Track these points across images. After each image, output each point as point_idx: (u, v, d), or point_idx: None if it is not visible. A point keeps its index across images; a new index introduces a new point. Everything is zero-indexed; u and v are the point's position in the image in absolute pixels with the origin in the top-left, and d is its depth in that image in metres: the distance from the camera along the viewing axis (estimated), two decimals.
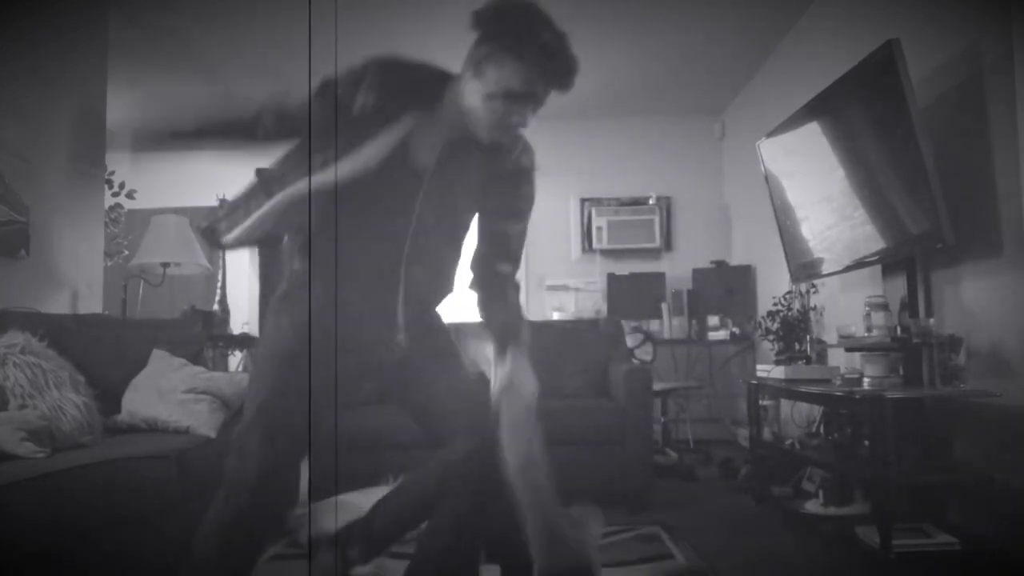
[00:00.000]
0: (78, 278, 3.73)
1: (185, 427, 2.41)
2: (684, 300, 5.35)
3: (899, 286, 2.86)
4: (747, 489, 3.45)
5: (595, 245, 5.60)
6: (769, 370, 3.36)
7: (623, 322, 4.40)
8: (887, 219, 2.83)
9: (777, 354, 3.83)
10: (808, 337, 3.74)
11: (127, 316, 4.33)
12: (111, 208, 4.68)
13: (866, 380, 2.67)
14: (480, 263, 1.63)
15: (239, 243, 1.49)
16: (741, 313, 5.16)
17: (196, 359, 2.93)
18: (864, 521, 2.60)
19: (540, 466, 1.48)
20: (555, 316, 5.29)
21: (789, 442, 3.25)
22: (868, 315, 2.77)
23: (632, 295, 5.41)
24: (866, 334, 2.77)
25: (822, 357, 3.59)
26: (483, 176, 1.56)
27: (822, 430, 3.20)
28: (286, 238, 1.58)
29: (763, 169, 3.83)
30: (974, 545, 2.36)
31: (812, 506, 2.90)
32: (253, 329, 5.40)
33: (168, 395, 2.49)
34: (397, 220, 1.48)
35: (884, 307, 2.76)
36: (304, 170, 1.39)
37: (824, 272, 3.39)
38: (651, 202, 5.66)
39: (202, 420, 2.43)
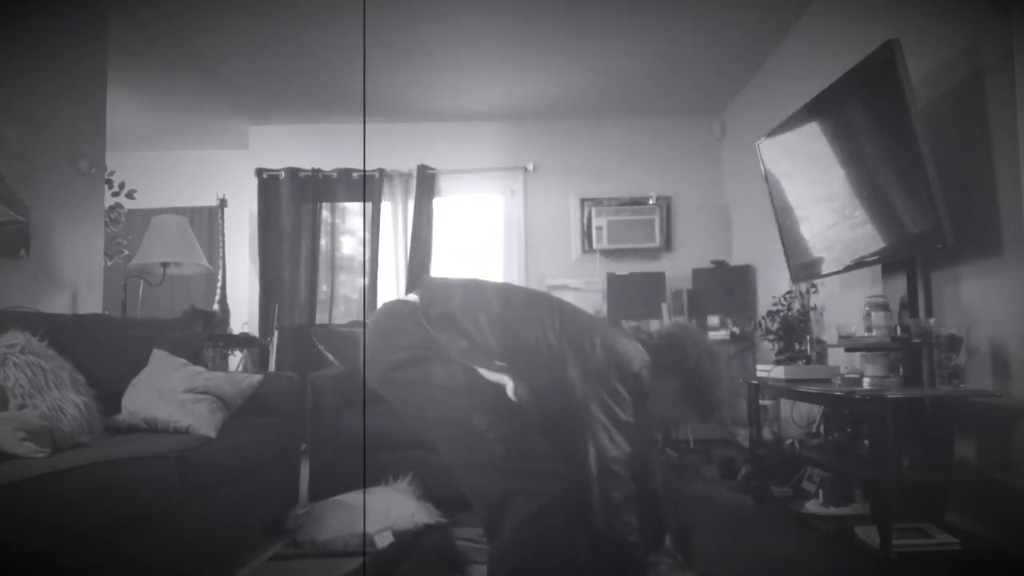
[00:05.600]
0: (78, 278, 3.74)
1: (185, 427, 2.41)
2: (684, 300, 5.34)
3: (899, 286, 2.86)
4: (747, 489, 3.45)
5: (595, 245, 5.60)
6: (769, 370, 3.36)
7: (623, 322, 4.39)
8: (887, 219, 2.83)
9: (777, 354, 3.83)
10: (808, 337, 3.74)
11: (127, 316, 4.33)
12: (111, 208, 4.68)
13: (866, 380, 2.67)
14: None
15: None
16: (741, 313, 5.16)
17: (196, 359, 2.93)
18: (864, 521, 2.60)
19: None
20: None
21: (789, 442, 3.25)
22: (868, 315, 2.77)
23: (632, 295, 5.41)
24: (866, 334, 2.77)
25: (822, 357, 3.59)
26: None
27: (822, 430, 3.20)
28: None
29: (763, 169, 3.83)
30: (974, 545, 2.36)
31: (812, 506, 2.90)
32: (253, 329, 5.42)
33: (168, 395, 2.48)
34: None
35: (884, 307, 2.76)
36: None
37: (824, 272, 3.39)
38: (651, 202, 5.66)
39: (202, 420, 2.43)
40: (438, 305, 1.71)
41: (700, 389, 1.78)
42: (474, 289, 1.78)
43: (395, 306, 1.82)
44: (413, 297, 1.79)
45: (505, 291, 1.83)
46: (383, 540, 2.60)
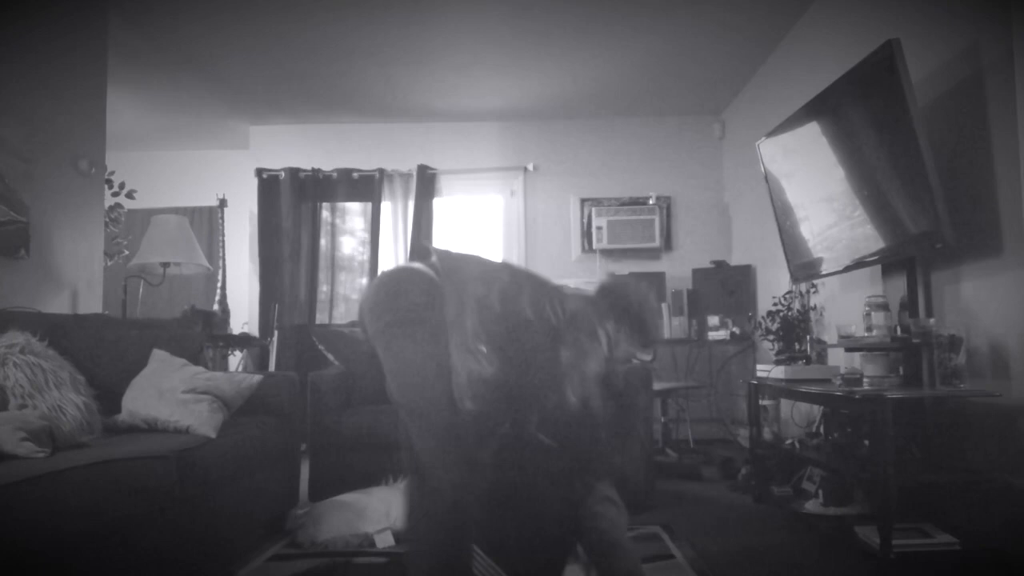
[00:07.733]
0: (78, 278, 3.73)
1: (185, 427, 2.41)
2: (684, 300, 5.35)
3: (899, 286, 2.86)
4: (747, 489, 3.45)
5: (595, 245, 5.60)
6: (769, 370, 3.36)
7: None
8: (887, 219, 2.83)
9: (777, 354, 3.83)
10: (808, 337, 3.74)
11: (127, 316, 4.33)
12: (111, 208, 4.68)
13: (866, 380, 2.67)
14: None
15: None
16: (741, 313, 5.16)
17: (196, 359, 2.93)
18: (864, 521, 2.60)
19: None
20: None
21: (789, 442, 3.25)
22: (868, 315, 2.77)
23: None
24: (866, 334, 2.77)
25: (822, 357, 3.59)
26: None
27: (822, 430, 3.20)
28: None
29: (763, 169, 3.83)
30: (974, 545, 2.36)
31: (812, 506, 2.90)
32: (253, 329, 5.42)
33: (168, 395, 2.48)
34: None
35: (884, 307, 2.76)
36: None
37: (824, 272, 3.39)
38: (651, 202, 5.66)
39: (202, 420, 2.43)
40: (456, 272, 1.79)
41: (641, 325, 1.94)
42: (486, 263, 1.88)
43: (402, 272, 1.89)
44: (418, 264, 1.83)
45: (513, 267, 1.98)
46: (383, 541, 2.61)
